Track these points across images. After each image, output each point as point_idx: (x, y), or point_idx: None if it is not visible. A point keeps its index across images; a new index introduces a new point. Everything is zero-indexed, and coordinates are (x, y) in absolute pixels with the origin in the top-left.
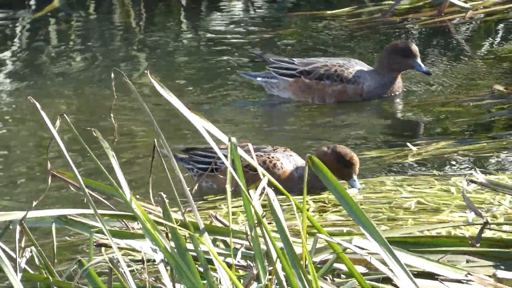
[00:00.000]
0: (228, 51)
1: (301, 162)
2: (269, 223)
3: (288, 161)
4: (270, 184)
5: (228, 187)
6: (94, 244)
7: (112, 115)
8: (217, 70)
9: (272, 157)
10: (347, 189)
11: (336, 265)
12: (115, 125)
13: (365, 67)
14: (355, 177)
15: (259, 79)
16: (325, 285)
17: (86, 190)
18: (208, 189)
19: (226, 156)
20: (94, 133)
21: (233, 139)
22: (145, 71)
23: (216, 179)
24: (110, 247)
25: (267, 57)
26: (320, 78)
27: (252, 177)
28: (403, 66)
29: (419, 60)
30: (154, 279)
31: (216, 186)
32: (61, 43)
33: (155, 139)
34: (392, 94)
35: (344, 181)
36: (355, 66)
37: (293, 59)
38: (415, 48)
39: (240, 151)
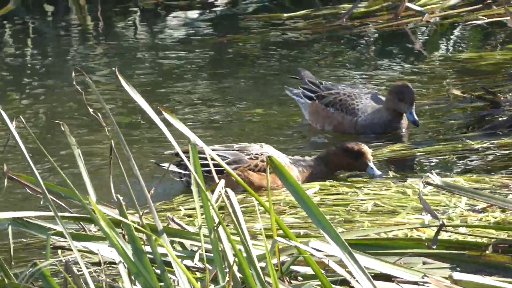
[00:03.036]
0: (184, 55)
1: (291, 157)
2: (226, 225)
3: (284, 156)
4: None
5: (194, 188)
6: (51, 246)
7: (90, 109)
8: (175, 74)
9: (274, 155)
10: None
11: (293, 267)
12: (99, 117)
13: (379, 101)
14: (371, 164)
15: (294, 97)
16: (284, 287)
17: (46, 192)
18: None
19: (225, 158)
20: (62, 128)
21: (193, 141)
22: (113, 68)
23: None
24: (67, 249)
25: (304, 77)
26: (327, 105)
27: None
28: (397, 107)
29: (412, 108)
30: (110, 281)
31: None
32: (17, 45)
33: (112, 141)
34: (393, 132)
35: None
36: (365, 98)
37: (322, 82)
38: (409, 93)
39: (210, 152)
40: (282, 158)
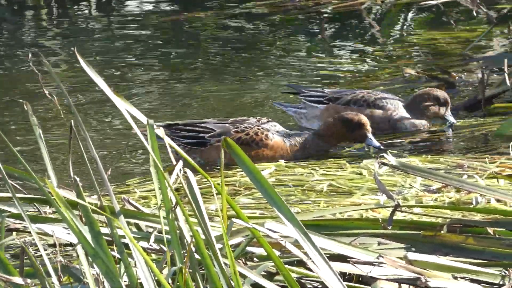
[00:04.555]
0: (140, 37)
1: (288, 131)
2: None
3: (277, 130)
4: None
5: (153, 171)
6: (6, 228)
7: (46, 91)
8: (132, 54)
9: (263, 128)
10: (262, 171)
11: (248, 248)
12: (55, 99)
13: (396, 98)
14: (370, 135)
15: (290, 109)
16: (240, 268)
17: (4, 173)
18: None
19: (212, 130)
20: (25, 107)
21: (151, 121)
22: (72, 48)
23: (204, 154)
24: (22, 231)
25: (299, 88)
26: (348, 104)
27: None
28: (436, 114)
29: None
30: (67, 262)
31: (203, 161)
32: None
33: (72, 120)
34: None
35: (361, 143)
36: (384, 94)
37: (324, 88)
38: (447, 97)
39: (160, 133)
40: (275, 133)
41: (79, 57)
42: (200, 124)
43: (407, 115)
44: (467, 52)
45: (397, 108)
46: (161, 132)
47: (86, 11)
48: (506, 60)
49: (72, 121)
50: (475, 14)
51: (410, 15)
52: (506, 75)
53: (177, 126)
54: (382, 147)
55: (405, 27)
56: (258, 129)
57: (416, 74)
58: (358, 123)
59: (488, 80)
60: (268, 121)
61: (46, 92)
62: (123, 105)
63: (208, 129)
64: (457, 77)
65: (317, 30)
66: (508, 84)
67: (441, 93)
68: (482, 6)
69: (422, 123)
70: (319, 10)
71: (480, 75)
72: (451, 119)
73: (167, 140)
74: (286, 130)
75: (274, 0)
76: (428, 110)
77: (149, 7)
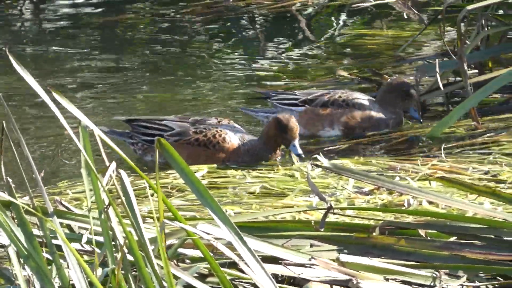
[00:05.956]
0: (73, 36)
1: (245, 134)
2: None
3: (234, 133)
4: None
5: (84, 171)
6: None
7: None
8: (64, 54)
9: (221, 131)
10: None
11: (180, 250)
12: None
13: (366, 97)
14: (294, 142)
15: (260, 114)
16: (174, 269)
17: None
18: (152, 163)
19: (172, 129)
20: None
21: (83, 122)
22: (4, 48)
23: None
24: None
25: (268, 92)
26: (325, 105)
27: (197, 151)
28: (403, 104)
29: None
30: None
31: (162, 160)
32: None
33: (4, 121)
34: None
35: (285, 147)
36: (358, 94)
37: (294, 91)
38: (413, 89)
39: (99, 133)
40: (235, 136)
41: (10, 56)
42: (161, 121)
43: (385, 114)
44: (399, 53)
45: (374, 108)
46: (97, 131)
47: (18, 11)
48: (437, 61)
49: (3, 122)
50: (405, 16)
51: (342, 17)
52: (438, 76)
53: (138, 122)
54: (303, 155)
55: (337, 29)
56: (216, 131)
57: (348, 75)
58: (287, 126)
59: (419, 82)
60: (228, 122)
61: None
62: (56, 105)
63: (168, 127)
64: (389, 79)
65: (249, 31)
66: (441, 86)
67: (408, 85)
68: (413, 9)
69: (401, 119)
70: (251, 11)
71: (412, 78)
72: (417, 114)
73: (101, 139)
74: (244, 132)
75: (206, 1)
76: (392, 100)
77: (83, 6)
